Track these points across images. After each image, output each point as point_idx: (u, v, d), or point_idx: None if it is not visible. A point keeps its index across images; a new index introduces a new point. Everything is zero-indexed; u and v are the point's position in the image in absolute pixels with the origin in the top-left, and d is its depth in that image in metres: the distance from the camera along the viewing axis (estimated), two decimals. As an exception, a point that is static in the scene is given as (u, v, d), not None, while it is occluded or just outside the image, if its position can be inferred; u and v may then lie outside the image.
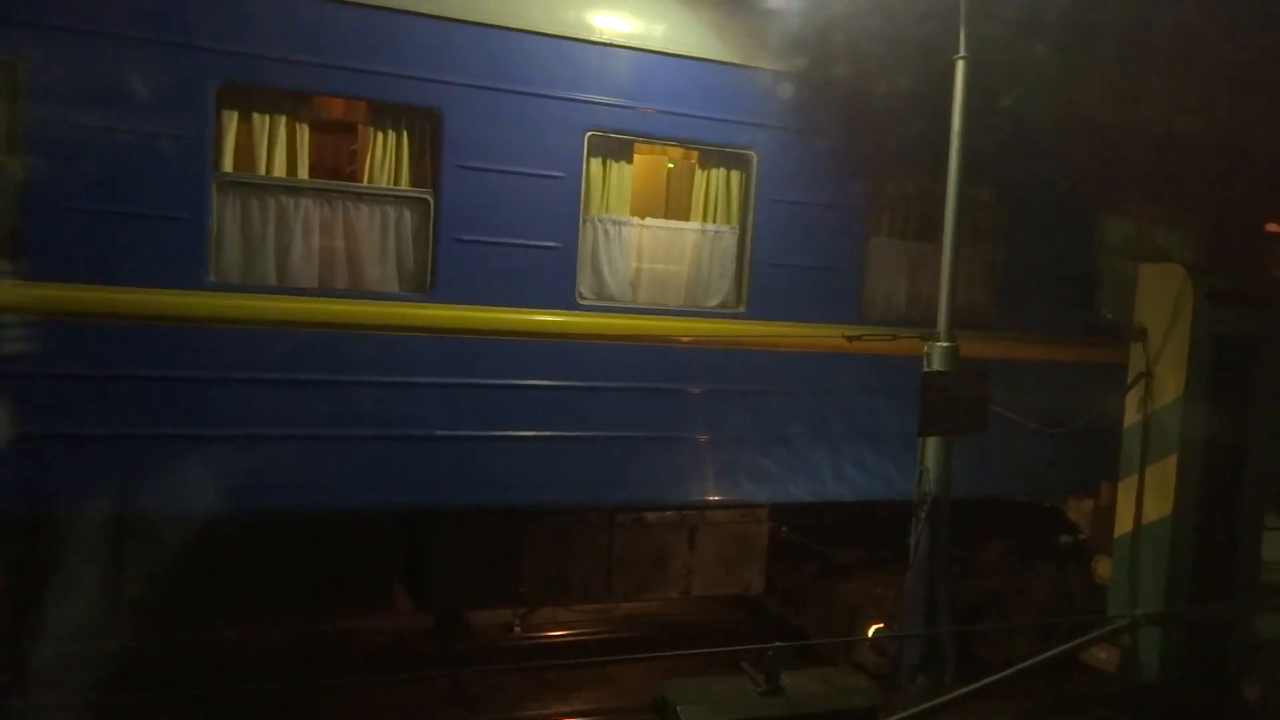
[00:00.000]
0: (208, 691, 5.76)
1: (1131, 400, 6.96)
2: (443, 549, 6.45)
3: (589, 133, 6.30)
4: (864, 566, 7.71)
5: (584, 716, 7.13)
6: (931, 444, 6.20)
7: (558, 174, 6.23)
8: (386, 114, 5.96)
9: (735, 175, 6.84)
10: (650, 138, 6.65)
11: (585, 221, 6.38)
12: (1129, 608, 6.84)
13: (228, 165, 5.61)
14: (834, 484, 7.16)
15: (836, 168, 6.99)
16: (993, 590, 8.00)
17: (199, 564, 5.38)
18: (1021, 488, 8.19)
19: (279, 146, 5.73)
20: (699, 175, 6.89)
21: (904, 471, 6.76)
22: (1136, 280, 7.06)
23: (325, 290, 5.85)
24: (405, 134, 6.00)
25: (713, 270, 6.86)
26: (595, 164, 6.42)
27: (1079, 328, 7.97)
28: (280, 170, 5.75)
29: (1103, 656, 7.18)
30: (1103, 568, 7.67)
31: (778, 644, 5.25)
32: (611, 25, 6.32)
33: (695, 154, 6.97)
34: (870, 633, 7.54)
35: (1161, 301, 6.83)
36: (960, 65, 6.17)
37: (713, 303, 6.85)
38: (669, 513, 6.94)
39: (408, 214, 6.00)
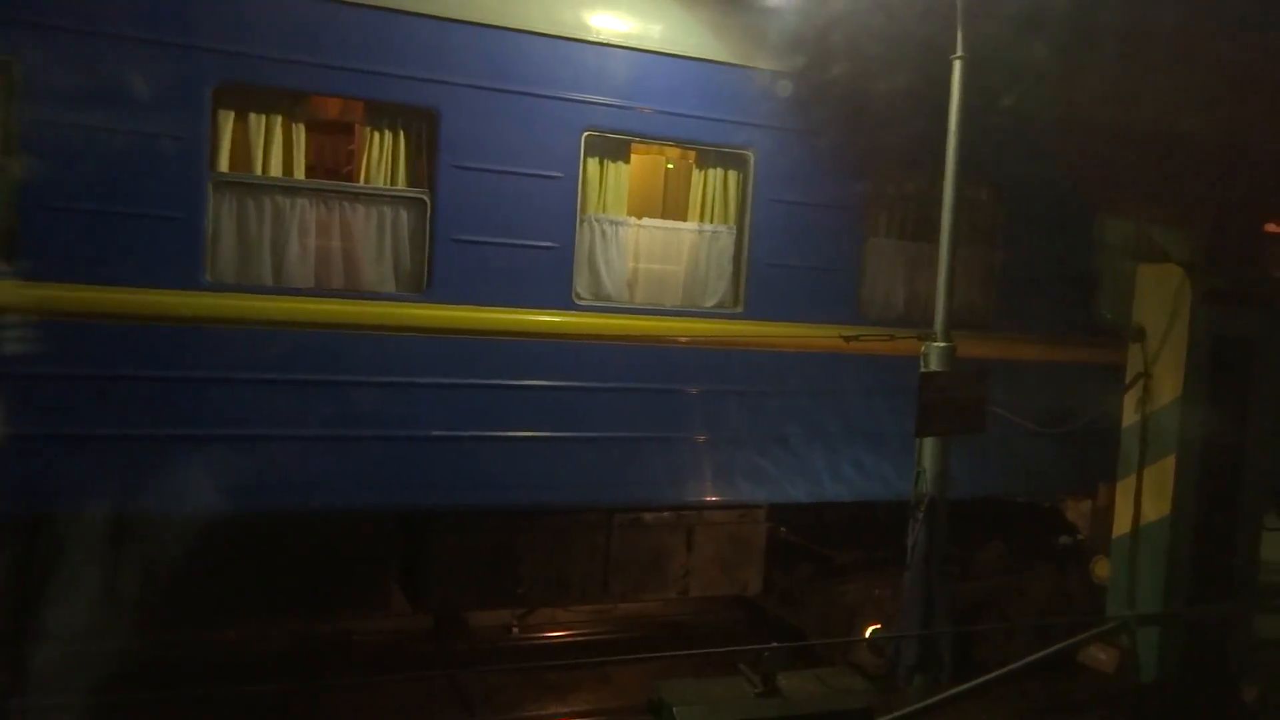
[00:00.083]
0: (207, 692, 5.75)
1: (1130, 401, 6.95)
2: (440, 549, 6.45)
3: (586, 133, 6.30)
4: (862, 567, 7.70)
5: (582, 717, 7.13)
6: (929, 444, 6.21)
7: (555, 174, 6.23)
8: (383, 114, 5.96)
9: (733, 175, 6.84)
10: (647, 138, 6.65)
11: (582, 221, 6.38)
12: (1128, 608, 6.83)
13: (224, 165, 5.61)
14: (832, 485, 7.15)
15: (834, 168, 6.99)
16: (992, 591, 7.99)
17: (196, 564, 5.37)
18: (1020, 488, 8.18)
19: (275, 147, 5.73)
20: (696, 175, 6.89)
21: (902, 472, 6.75)
22: (1135, 280, 7.05)
23: (322, 290, 5.85)
24: (402, 134, 6.00)
25: (710, 270, 6.85)
26: (592, 164, 6.43)
27: (1077, 328, 7.96)
28: (277, 170, 5.75)
29: (1101, 657, 7.18)
30: (1101, 568, 7.66)
31: (774, 644, 5.24)
32: (608, 25, 6.32)
33: (693, 154, 6.97)
34: (867, 633, 7.54)
35: (1160, 302, 6.82)
36: (957, 65, 6.17)
37: (710, 303, 6.85)
38: (667, 513, 6.94)
39: (404, 214, 6.00)
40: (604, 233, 6.53)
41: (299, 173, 5.86)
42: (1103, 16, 6.98)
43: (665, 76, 6.48)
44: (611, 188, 6.55)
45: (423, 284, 5.99)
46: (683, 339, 6.67)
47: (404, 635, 7.88)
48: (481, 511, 6.42)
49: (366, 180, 6.00)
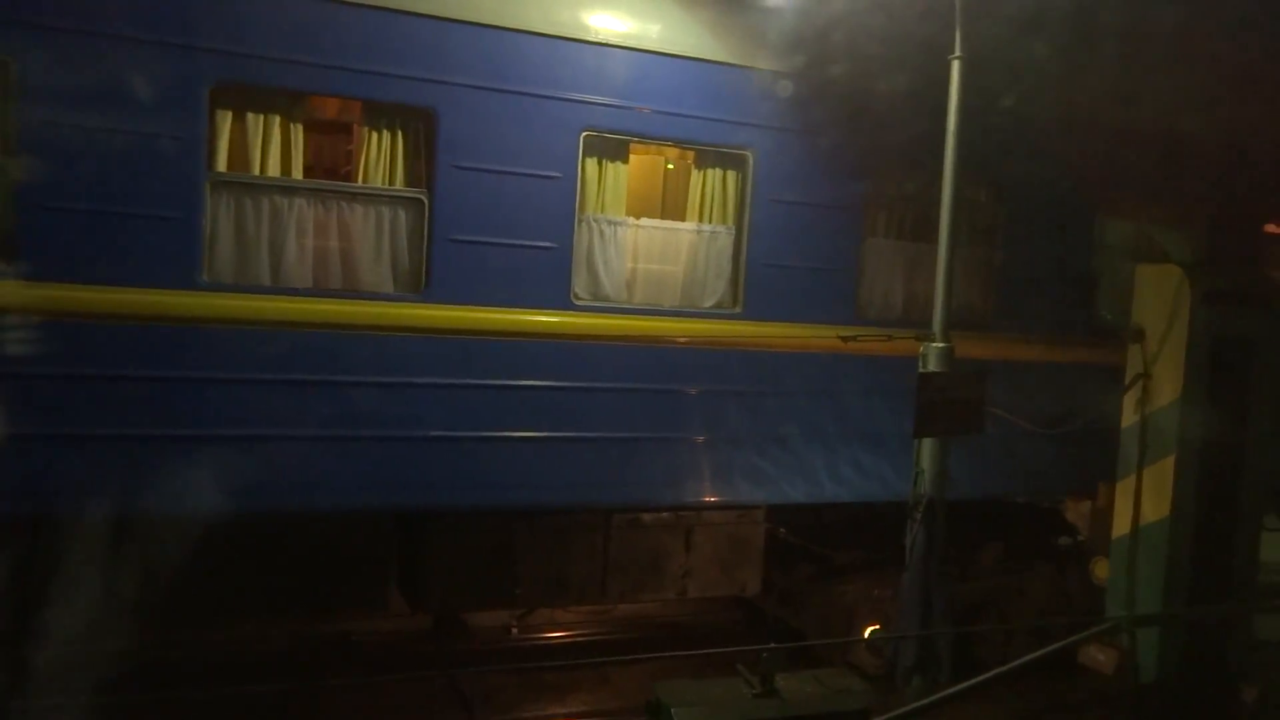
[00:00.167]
0: (206, 692, 5.75)
1: (1129, 401, 6.96)
2: (438, 550, 6.44)
3: (584, 133, 6.30)
4: (861, 568, 7.69)
5: (581, 717, 7.12)
6: (927, 445, 6.20)
7: (553, 174, 6.22)
8: (381, 114, 5.95)
9: (731, 175, 6.83)
10: (646, 138, 6.64)
11: (581, 222, 6.38)
12: (1127, 609, 6.83)
13: (222, 165, 5.60)
14: (830, 485, 7.14)
15: (833, 168, 6.97)
16: (991, 592, 7.98)
17: (194, 564, 5.36)
18: (1019, 489, 8.17)
19: (273, 146, 5.72)
20: (695, 175, 6.88)
21: (900, 473, 6.74)
22: (1135, 281, 7.04)
23: (319, 290, 5.85)
24: (400, 134, 5.99)
25: (709, 270, 6.84)
26: (591, 164, 6.42)
27: (1077, 328, 7.95)
28: (274, 170, 5.74)
29: (1100, 658, 7.17)
30: (1101, 569, 7.66)
31: (773, 645, 5.24)
32: (607, 25, 6.31)
33: (691, 154, 6.96)
34: (866, 634, 7.53)
35: (1159, 302, 6.83)
36: (955, 65, 6.16)
37: (708, 303, 6.84)
38: (665, 514, 6.93)
39: (402, 214, 5.99)
40: (602, 233, 6.52)
41: (297, 173, 5.85)
42: (1102, 16, 6.96)
43: (664, 76, 6.47)
44: (610, 188, 6.54)
45: (421, 284, 5.99)
46: (681, 339, 6.66)
47: (403, 636, 7.88)
48: (480, 512, 6.42)
49: (364, 180, 5.99)
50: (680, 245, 6.85)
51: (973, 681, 5.63)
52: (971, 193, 7.35)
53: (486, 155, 6.03)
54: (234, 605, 6.12)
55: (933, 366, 6.15)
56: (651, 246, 6.80)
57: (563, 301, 6.31)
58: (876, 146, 7.07)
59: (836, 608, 7.61)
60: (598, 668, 7.59)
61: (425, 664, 7.53)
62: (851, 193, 7.12)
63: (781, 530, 7.65)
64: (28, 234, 5.12)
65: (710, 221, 6.84)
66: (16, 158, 5.08)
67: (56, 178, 5.14)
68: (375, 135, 5.96)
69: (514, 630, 8.05)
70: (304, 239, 5.83)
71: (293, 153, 5.80)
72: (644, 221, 6.83)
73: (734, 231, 6.84)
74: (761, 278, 6.82)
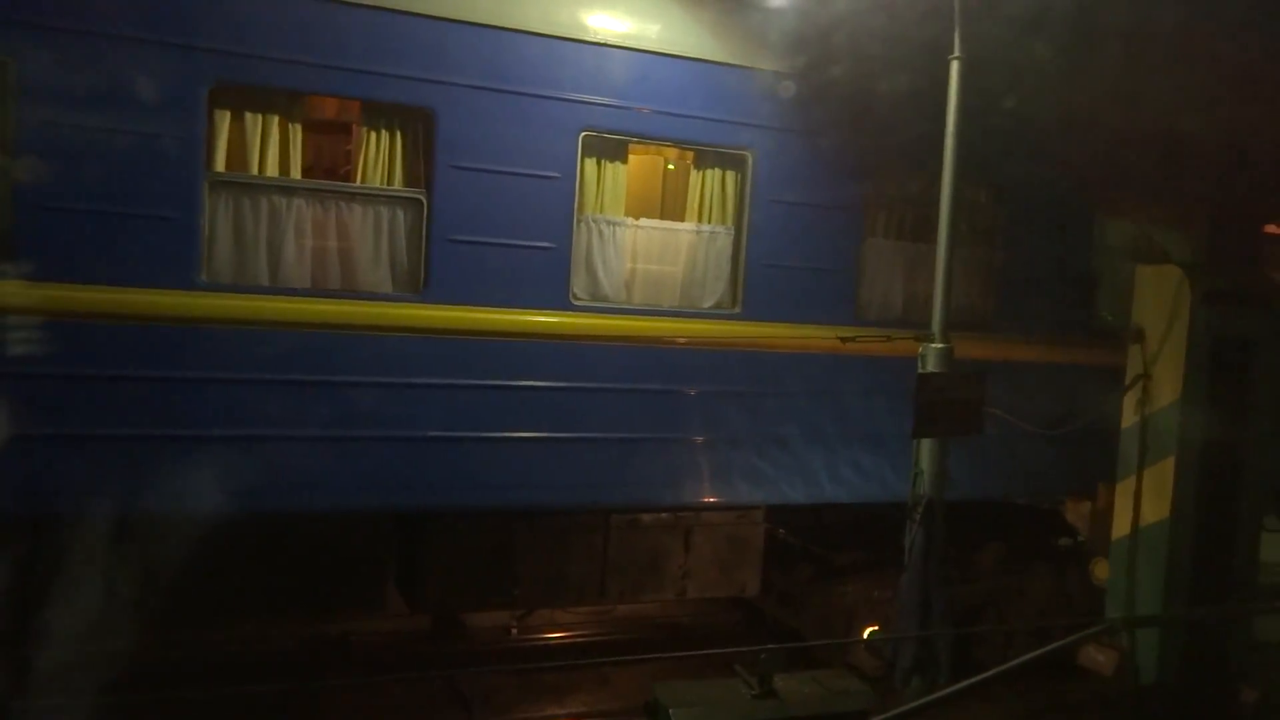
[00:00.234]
0: (206, 692, 5.75)
1: (1129, 402, 6.94)
2: (437, 550, 6.44)
3: (584, 133, 6.30)
4: (860, 569, 7.68)
5: (580, 718, 7.12)
6: (926, 446, 6.18)
7: (552, 174, 6.22)
8: (380, 114, 5.96)
9: (731, 176, 6.83)
10: (645, 138, 6.64)
11: (580, 222, 6.38)
12: (1127, 610, 6.82)
13: (220, 165, 5.61)
14: (830, 486, 7.14)
15: (833, 168, 6.97)
16: (991, 592, 7.97)
17: (193, 564, 5.36)
18: (1019, 490, 8.16)
19: (272, 146, 5.73)
20: (694, 175, 6.88)
21: (900, 473, 6.72)
22: (1135, 281, 7.03)
23: (318, 291, 5.85)
24: (399, 134, 5.99)
25: (708, 271, 6.84)
26: (590, 164, 6.42)
27: (1077, 329, 7.94)
28: (273, 170, 5.75)
29: (1100, 659, 7.15)
30: (1101, 570, 7.65)
31: (771, 646, 5.23)
32: (606, 25, 6.31)
33: (691, 154, 6.95)
34: (865, 635, 7.52)
35: (1159, 303, 6.82)
36: (955, 66, 6.15)
37: (708, 304, 6.84)
38: (664, 514, 6.92)
39: (401, 214, 5.99)
40: (601, 233, 6.52)
41: (295, 173, 5.86)
42: (1103, 17, 6.96)
43: (663, 77, 6.47)
44: (609, 188, 6.54)
45: (419, 284, 5.99)
46: (680, 340, 6.66)
47: (402, 636, 7.88)
48: (478, 512, 6.42)
49: (363, 180, 5.99)
50: (679, 246, 6.84)
51: (972, 681, 5.61)
52: (971, 193, 7.36)
53: (485, 155, 6.03)
54: (233, 605, 6.12)
55: (932, 367, 6.14)
56: (651, 247, 6.79)
57: (561, 302, 6.31)
58: (876, 147, 7.07)
59: (836, 609, 7.61)
60: (597, 668, 7.59)
61: (424, 664, 7.54)
62: (851, 193, 7.11)
63: (781, 531, 7.65)
64: (27, 234, 5.12)
65: (709, 222, 6.84)
66: (16, 158, 5.08)
67: (56, 178, 5.14)
68: (374, 135, 5.97)
69: (513, 631, 8.03)
70: (303, 239, 5.84)
71: (291, 153, 5.81)
72: (643, 222, 6.83)
73: (733, 232, 6.84)
74: (761, 278, 6.82)
